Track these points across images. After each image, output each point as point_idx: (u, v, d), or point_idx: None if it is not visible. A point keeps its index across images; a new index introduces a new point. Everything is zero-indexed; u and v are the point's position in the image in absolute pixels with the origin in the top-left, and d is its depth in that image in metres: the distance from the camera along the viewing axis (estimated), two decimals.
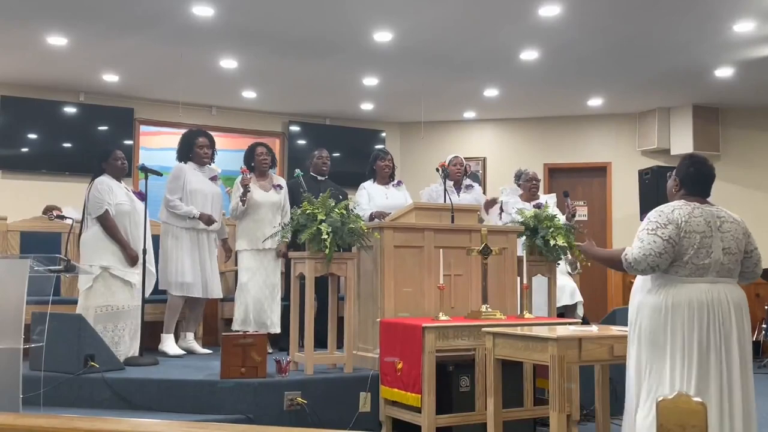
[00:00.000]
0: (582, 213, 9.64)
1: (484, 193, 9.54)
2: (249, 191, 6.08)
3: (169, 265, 6.05)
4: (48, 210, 7.10)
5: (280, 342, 6.26)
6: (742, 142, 9.35)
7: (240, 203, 6.08)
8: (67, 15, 6.10)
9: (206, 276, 6.15)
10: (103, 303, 5.56)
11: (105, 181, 5.72)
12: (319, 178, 6.62)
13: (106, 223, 5.60)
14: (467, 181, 7.00)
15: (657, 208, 3.51)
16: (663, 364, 3.34)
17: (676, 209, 3.45)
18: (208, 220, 6.09)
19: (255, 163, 6.33)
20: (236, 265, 6.49)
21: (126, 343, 5.62)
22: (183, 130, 7.07)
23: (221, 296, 6.45)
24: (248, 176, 6.13)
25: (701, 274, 3.38)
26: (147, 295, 5.87)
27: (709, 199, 3.59)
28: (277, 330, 6.14)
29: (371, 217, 6.16)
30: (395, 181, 6.79)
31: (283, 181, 6.53)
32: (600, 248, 4.07)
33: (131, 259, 5.62)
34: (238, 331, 5.55)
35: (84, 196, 5.77)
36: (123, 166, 5.88)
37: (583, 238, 4.36)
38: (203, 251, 6.16)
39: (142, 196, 5.83)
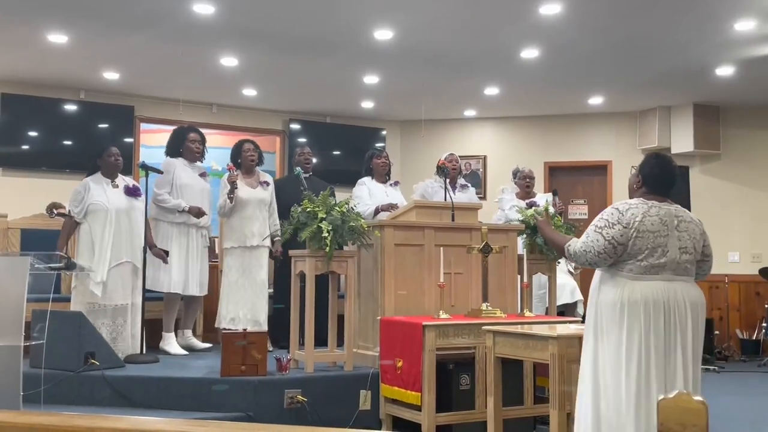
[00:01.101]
0: (582, 212, 9.64)
1: (484, 191, 9.58)
2: (236, 188, 6.07)
3: (155, 262, 6.00)
4: (51, 208, 7.11)
5: (280, 340, 6.26)
6: (743, 141, 9.34)
7: (227, 200, 6.07)
8: (67, 13, 6.10)
9: (188, 272, 6.12)
10: (89, 300, 5.56)
11: (85, 182, 5.75)
12: (304, 174, 6.62)
13: (64, 223, 5.67)
14: (462, 181, 7.01)
15: (614, 204, 3.54)
16: (620, 362, 3.34)
17: (631, 208, 3.46)
18: (198, 212, 6.07)
19: (242, 160, 6.32)
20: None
21: (116, 342, 5.60)
22: None
23: (206, 293, 6.41)
24: (235, 173, 6.12)
25: (656, 272, 3.38)
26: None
27: (670, 199, 3.58)
28: (265, 327, 6.07)
29: (377, 211, 6.15)
30: (392, 181, 6.80)
31: (270, 178, 6.51)
32: (552, 230, 4.10)
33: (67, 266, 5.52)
34: (236, 329, 5.55)
35: None
36: (116, 163, 5.87)
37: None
38: (192, 248, 6.16)
39: (135, 191, 5.81)
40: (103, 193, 5.69)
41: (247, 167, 6.31)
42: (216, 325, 6.18)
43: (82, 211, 5.64)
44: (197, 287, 6.19)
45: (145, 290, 5.76)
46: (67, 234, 5.75)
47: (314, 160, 6.95)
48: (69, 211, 5.67)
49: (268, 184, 6.37)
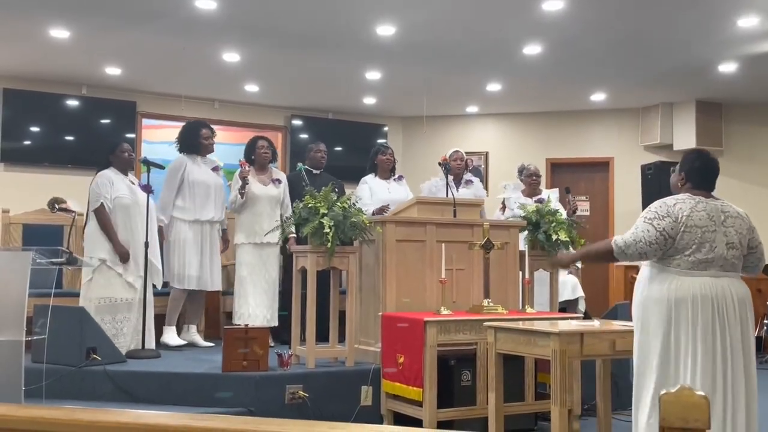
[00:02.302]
0: (584, 208, 9.63)
1: (486, 187, 9.57)
2: (248, 183, 6.07)
3: (171, 258, 6.06)
4: (53, 202, 7.11)
5: (281, 335, 6.27)
6: (745, 138, 9.33)
7: (239, 196, 6.08)
8: (69, 8, 6.09)
9: (209, 269, 6.16)
10: (103, 295, 5.58)
11: (106, 174, 5.74)
12: (315, 171, 6.61)
13: (100, 216, 5.63)
14: (467, 176, 6.99)
15: (661, 200, 3.51)
16: (668, 359, 3.34)
17: (679, 202, 3.45)
18: (124, 255, 5.71)
19: (255, 157, 6.33)
20: (235, 258, 6.50)
21: (126, 336, 5.63)
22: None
23: (221, 289, 6.46)
24: (246, 168, 6.12)
25: (704, 267, 3.37)
26: (159, 288, 5.90)
27: (713, 194, 3.59)
28: (275, 323, 6.14)
29: (373, 214, 6.15)
30: (396, 176, 6.79)
31: (282, 176, 6.52)
32: (583, 248, 4.04)
33: (120, 256, 5.61)
34: (239, 325, 5.56)
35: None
36: (130, 159, 5.92)
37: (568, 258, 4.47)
38: (205, 244, 6.17)
39: (148, 189, 5.83)
40: (125, 187, 5.73)
41: (261, 164, 6.33)
42: (234, 322, 6.17)
43: (111, 202, 5.65)
44: (215, 283, 6.21)
45: (147, 285, 5.75)
46: (111, 224, 5.67)
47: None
48: (102, 204, 5.62)
49: (280, 181, 6.37)
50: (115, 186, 5.70)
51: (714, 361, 3.30)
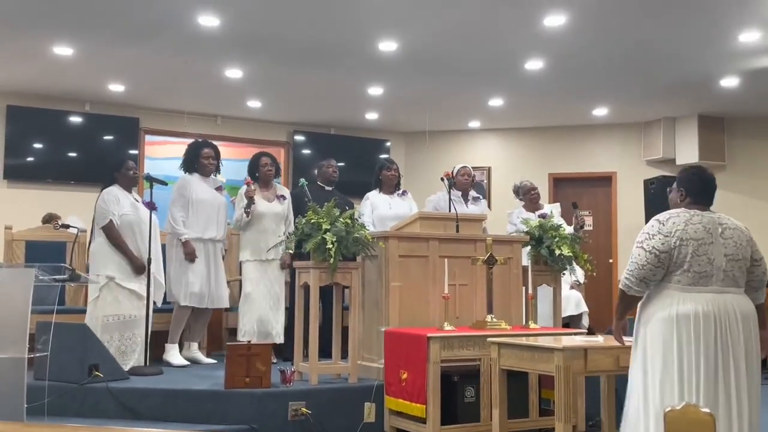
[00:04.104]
0: (588, 223, 9.62)
1: (489, 203, 9.56)
2: (254, 204, 6.08)
3: (176, 276, 6.04)
4: (48, 219, 7.11)
5: (284, 352, 6.25)
6: (748, 152, 9.33)
7: (244, 214, 6.08)
8: (73, 25, 6.13)
9: (214, 286, 6.16)
10: (111, 312, 5.57)
11: (112, 191, 5.75)
12: (327, 188, 6.62)
13: (111, 233, 5.62)
14: (473, 194, 6.99)
15: (654, 218, 3.50)
16: (671, 377, 3.30)
17: (672, 216, 3.44)
18: (190, 255, 5.98)
19: (260, 174, 6.33)
20: (240, 275, 6.49)
21: (135, 353, 5.63)
22: (188, 140, 7.08)
23: (228, 306, 6.45)
24: (252, 188, 6.12)
25: (705, 282, 3.34)
26: (159, 305, 5.89)
27: (712, 208, 3.58)
28: (281, 340, 6.13)
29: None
30: (401, 191, 6.78)
31: (287, 192, 6.52)
32: (615, 316, 3.80)
33: (136, 269, 5.63)
34: (242, 341, 5.54)
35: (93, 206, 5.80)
36: (135, 176, 5.93)
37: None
38: (210, 261, 6.17)
39: (152, 206, 5.84)
40: (129, 205, 5.74)
41: (265, 180, 6.33)
42: (239, 338, 6.16)
43: (119, 219, 5.65)
44: (220, 300, 6.21)
45: (150, 301, 5.75)
46: (122, 239, 5.68)
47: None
48: (111, 221, 5.63)
49: (284, 198, 6.37)
50: (121, 203, 5.71)
51: (716, 379, 3.26)
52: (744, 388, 3.31)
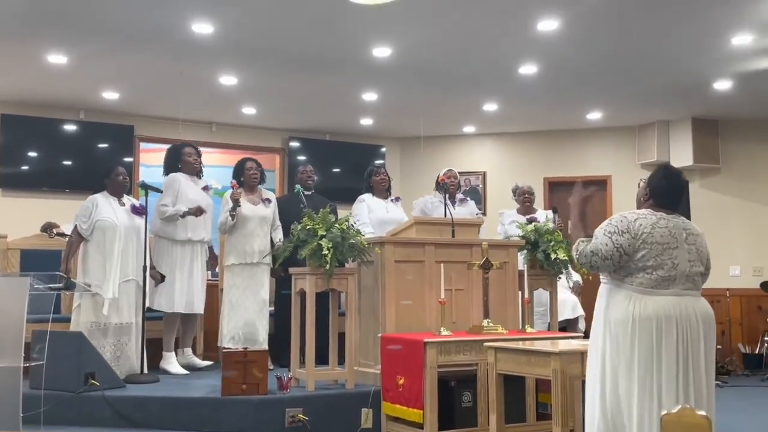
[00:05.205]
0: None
1: (485, 207, 9.58)
2: (239, 206, 6.07)
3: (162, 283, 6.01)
4: (47, 227, 7.09)
5: (280, 358, 6.23)
6: (742, 155, 9.35)
7: (229, 218, 6.06)
8: (67, 33, 6.12)
9: (196, 292, 6.14)
10: (92, 319, 5.55)
11: (93, 198, 5.77)
12: (306, 192, 6.62)
13: (70, 239, 5.65)
14: (460, 195, 7.03)
15: (621, 213, 3.50)
16: (630, 378, 3.30)
17: (640, 218, 3.44)
18: (197, 211, 6.05)
19: (245, 178, 6.33)
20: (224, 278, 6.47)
21: (120, 360, 5.59)
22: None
23: (202, 312, 6.38)
24: (238, 191, 6.12)
25: (666, 285, 3.35)
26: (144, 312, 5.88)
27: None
28: (265, 346, 6.03)
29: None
30: (393, 197, 6.80)
31: (272, 195, 6.54)
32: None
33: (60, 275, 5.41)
34: (236, 349, 5.53)
35: None
36: (124, 182, 5.93)
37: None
38: (194, 266, 6.16)
39: (141, 210, 5.82)
40: (111, 210, 5.72)
41: (250, 185, 6.33)
42: (218, 344, 6.16)
43: (90, 228, 5.63)
44: (200, 305, 6.19)
45: (145, 309, 5.75)
46: (73, 251, 5.71)
47: (315, 178, 6.94)
48: (76, 227, 5.64)
49: (270, 201, 6.38)
50: (99, 209, 5.68)
51: (677, 380, 3.27)
52: (703, 389, 3.33)
